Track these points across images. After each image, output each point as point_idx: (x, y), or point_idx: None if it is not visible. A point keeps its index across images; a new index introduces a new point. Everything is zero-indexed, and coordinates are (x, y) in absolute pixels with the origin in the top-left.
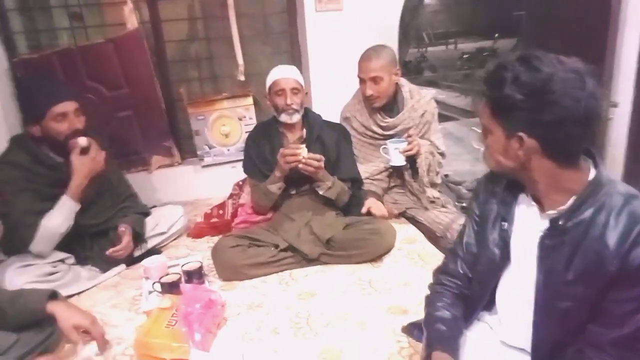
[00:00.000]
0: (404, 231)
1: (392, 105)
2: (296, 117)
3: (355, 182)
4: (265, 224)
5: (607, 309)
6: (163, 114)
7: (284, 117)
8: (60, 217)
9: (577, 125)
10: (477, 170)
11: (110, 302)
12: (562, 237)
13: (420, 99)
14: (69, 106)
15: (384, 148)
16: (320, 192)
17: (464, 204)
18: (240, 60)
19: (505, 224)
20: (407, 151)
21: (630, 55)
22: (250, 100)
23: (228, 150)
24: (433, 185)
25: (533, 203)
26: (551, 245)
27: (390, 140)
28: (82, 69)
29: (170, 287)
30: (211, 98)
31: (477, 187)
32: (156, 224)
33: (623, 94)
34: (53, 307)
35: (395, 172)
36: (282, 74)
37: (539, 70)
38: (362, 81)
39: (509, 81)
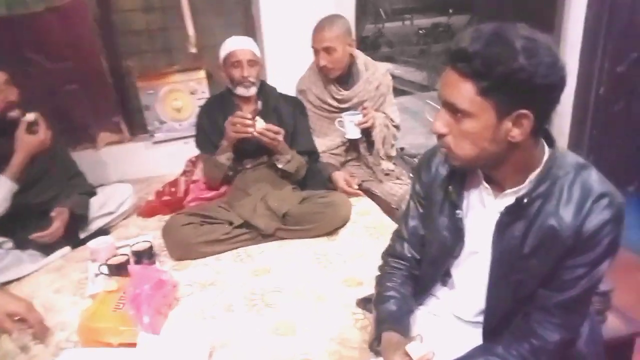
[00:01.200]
0: (359, 204)
1: (346, 77)
2: (253, 90)
3: (312, 154)
4: (219, 200)
5: (558, 275)
6: (110, 88)
7: (240, 90)
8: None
9: (558, 93)
10: (431, 144)
11: (54, 287)
12: (519, 213)
13: (375, 72)
14: None
15: (340, 121)
16: (280, 166)
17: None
18: (190, 31)
19: (460, 212)
20: (362, 123)
21: (576, 26)
22: (202, 73)
23: (180, 125)
24: (388, 157)
25: (486, 185)
26: (508, 222)
27: (346, 113)
28: (20, 39)
29: (118, 269)
30: (161, 71)
31: (418, 167)
32: (104, 204)
33: (569, 64)
34: None
35: (351, 146)
36: (238, 44)
37: (531, 38)
38: (316, 52)
39: (519, 52)
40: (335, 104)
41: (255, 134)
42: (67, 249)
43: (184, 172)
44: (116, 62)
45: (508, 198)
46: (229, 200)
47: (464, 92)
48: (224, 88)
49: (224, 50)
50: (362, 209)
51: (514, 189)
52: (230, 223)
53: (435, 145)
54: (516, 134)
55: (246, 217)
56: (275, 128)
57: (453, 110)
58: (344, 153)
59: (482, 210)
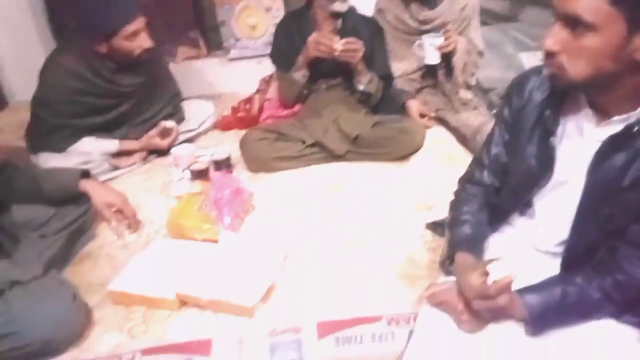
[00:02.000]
0: (433, 132)
1: None
2: (346, 6)
3: (387, 78)
4: (292, 118)
5: None
6: (188, 1)
7: (337, 5)
8: (97, 149)
9: None
10: (508, 78)
11: (142, 186)
12: (625, 144)
13: None
14: (140, 23)
15: (419, 44)
16: (361, 87)
17: (495, 111)
18: None
19: (554, 140)
20: (443, 47)
21: None
22: None
23: (254, 43)
24: (467, 86)
25: (589, 111)
26: (610, 152)
27: (426, 35)
28: None
29: (200, 175)
30: None
31: (509, 92)
32: (187, 120)
33: None
34: (85, 185)
35: (428, 71)
36: None
37: None
38: None
39: None
40: (415, 25)
41: (337, 53)
42: (153, 155)
43: (258, 91)
44: None
45: (613, 126)
46: (301, 119)
47: (592, 0)
48: (302, 4)
49: None
50: (436, 137)
51: (622, 117)
52: (303, 141)
53: (530, 69)
54: None
55: (318, 138)
56: (356, 45)
57: (573, 23)
58: (420, 79)
59: (578, 139)
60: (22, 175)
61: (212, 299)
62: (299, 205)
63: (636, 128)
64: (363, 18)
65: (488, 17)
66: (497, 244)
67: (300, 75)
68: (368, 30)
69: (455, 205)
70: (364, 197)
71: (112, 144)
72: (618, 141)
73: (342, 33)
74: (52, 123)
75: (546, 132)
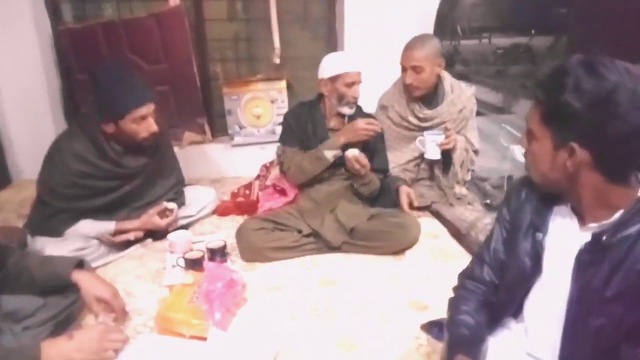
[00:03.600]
0: (428, 225)
1: (431, 97)
2: (353, 110)
3: (385, 172)
4: (290, 206)
5: None
6: (198, 91)
7: (345, 109)
8: (93, 232)
9: (613, 133)
10: (503, 169)
11: (135, 273)
12: (604, 253)
13: (461, 94)
14: (149, 108)
15: (420, 140)
16: (355, 185)
17: (488, 202)
18: (277, 43)
19: (540, 235)
20: (444, 144)
21: None
22: (283, 83)
23: (258, 131)
24: (463, 182)
25: (573, 215)
26: (590, 260)
27: (427, 132)
28: (124, 42)
29: (194, 264)
30: (246, 79)
31: (509, 192)
32: (187, 205)
33: None
34: (77, 276)
35: (424, 165)
36: (354, 65)
37: (605, 78)
38: (403, 69)
39: (569, 88)
40: (416, 122)
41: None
42: (148, 240)
43: (258, 176)
44: (204, 67)
45: (591, 233)
46: (299, 208)
47: (532, 115)
48: (306, 98)
49: (337, 68)
50: (430, 231)
51: (597, 224)
52: (300, 231)
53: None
54: (569, 165)
55: (315, 227)
56: (365, 161)
57: (530, 135)
58: (416, 170)
59: (565, 240)
60: (14, 258)
61: None
62: (291, 300)
63: (605, 237)
64: (367, 116)
65: (484, 107)
66: (493, 348)
67: (331, 154)
68: None
69: (454, 304)
70: (358, 293)
71: (108, 225)
72: (594, 248)
73: None
74: (55, 206)
75: (535, 229)
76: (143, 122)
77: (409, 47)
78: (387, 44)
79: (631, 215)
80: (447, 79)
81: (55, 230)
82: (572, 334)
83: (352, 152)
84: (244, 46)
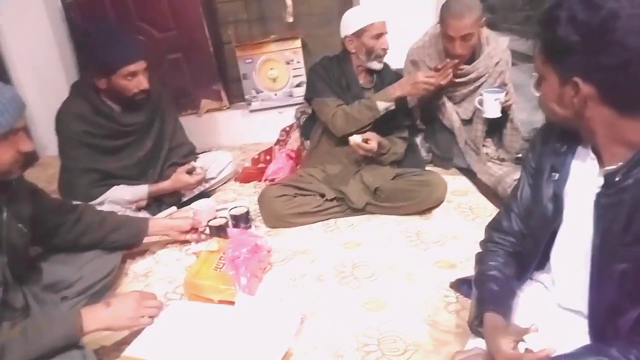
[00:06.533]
0: (455, 183)
1: None
2: (382, 65)
3: (411, 128)
4: (314, 169)
5: None
6: (211, 56)
7: (375, 64)
8: (129, 195)
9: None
10: (534, 120)
11: (162, 242)
12: (621, 195)
13: (497, 47)
14: (140, 65)
15: (479, 99)
16: (373, 155)
17: (519, 155)
18: (288, 0)
19: (556, 175)
20: (506, 102)
21: None
22: (298, 42)
23: (275, 95)
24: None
25: (593, 156)
26: (608, 203)
27: (486, 90)
28: (132, 10)
29: (218, 231)
30: (259, 41)
31: (533, 139)
32: (206, 169)
33: None
34: (153, 229)
35: (478, 125)
36: (379, 16)
37: (600, 7)
38: (450, 39)
39: (563, 21)
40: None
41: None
42: (173, 208)
43: (278, 141)
44: (216, 31)
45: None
46: (324, 171)
47: (537, 56)
48: (323, 55)
49: (361, 21)
50: (458, 189)
51: (615, 166)
52: (322, 195)
53: None
54: (576, 101)
55: (340, 188)
56: (369, 146)
57: (537, 72)
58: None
59: (582, 183)
60: (89, 214)
61: None
62: (317, 262)
63: (617, 178)
64: (395, 74)
65: (513, 57)
66: (522, 302)
67: (384, 106)
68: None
69: (481, 259)
70: (384, 254)
71: (142, 188)
72: (611, 192)
73: (376, 87)
74: (75, 169)
75: (552, 169)
76: (134, 79)
77: (456, 16)
78: None
79: None
80: (484, 30)
81: (87, 194)
82: (599, 281)
83: (354, 139)
84: (255, 6)
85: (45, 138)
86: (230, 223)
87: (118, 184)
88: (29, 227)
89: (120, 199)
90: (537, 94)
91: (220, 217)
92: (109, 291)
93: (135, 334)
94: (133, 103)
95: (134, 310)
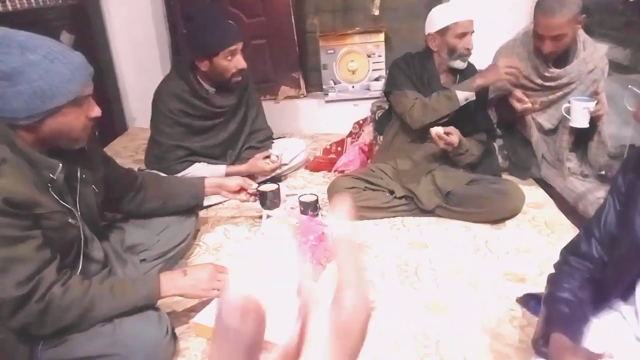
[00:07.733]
0: (532, 194)
1: (561, 53)
2: (466, 64)
3: (490, 132)
4: (385, 165)
5: None
6: (295, 44)
7: (458, 63)
8: (207, 173)
9: None
10: (623, 135)
11: (233, 220)
12: None
13: (593, 53)
14: (239, 45)
15: (566, 107)
16: (450, 155)
17: (603, 172)
18: None
19: None
20: (596, 112)
21: None
22: (382, 36)
23: (353, 87)
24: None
25: None
26: None
27: (574, 97)
28: None
29: (265, 197)
30: (343, 32)
31: (627, 160)
32: (280, 155)
33: None
34: (209, 190)
35: (564, 135)
36: (465, 14)
37: None
38: (540, 37)
39: None
40: (539, 82)
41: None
42: (220, 198)
43: (351, 134)
44: (301, 20)
45: None
46: (395, 167)
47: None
48: (404, 50)
49: (446, 19)
50: (534, 201)
51: None
52: (392, 192)
53: None
54: None
55: (410, 187)
56: (450, 139)
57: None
58: None
59: None
60: (153, 186)
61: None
62: (381, 259)
63: None
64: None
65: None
66: (598, 330)
67: (464, 96)
68: None
69: (554, 280)
70: (450, 258)
71: (220, 168)
72: None
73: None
74: (163, 144)
75: None
76: (233, 59)
77: (547, 14)
78: None
79: None
80: (581, 34)
81: (170, 168)
82: None
83: (436, 129)
84: None
85: (135, 111)
86: (299, 209)
87: (199, 162)
88: (101, 189)
89: (199, 175)
90: (631, 109)
91: (270, 184)
92: (183, 259)
93: (204, 303)
94: (227, 85)
95: (207, 282)
